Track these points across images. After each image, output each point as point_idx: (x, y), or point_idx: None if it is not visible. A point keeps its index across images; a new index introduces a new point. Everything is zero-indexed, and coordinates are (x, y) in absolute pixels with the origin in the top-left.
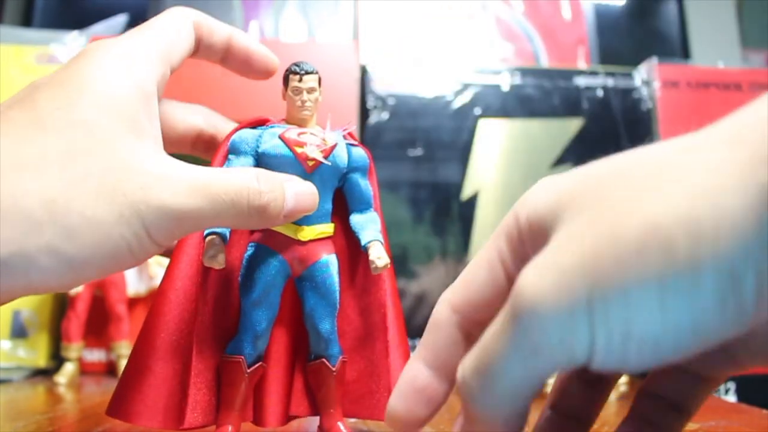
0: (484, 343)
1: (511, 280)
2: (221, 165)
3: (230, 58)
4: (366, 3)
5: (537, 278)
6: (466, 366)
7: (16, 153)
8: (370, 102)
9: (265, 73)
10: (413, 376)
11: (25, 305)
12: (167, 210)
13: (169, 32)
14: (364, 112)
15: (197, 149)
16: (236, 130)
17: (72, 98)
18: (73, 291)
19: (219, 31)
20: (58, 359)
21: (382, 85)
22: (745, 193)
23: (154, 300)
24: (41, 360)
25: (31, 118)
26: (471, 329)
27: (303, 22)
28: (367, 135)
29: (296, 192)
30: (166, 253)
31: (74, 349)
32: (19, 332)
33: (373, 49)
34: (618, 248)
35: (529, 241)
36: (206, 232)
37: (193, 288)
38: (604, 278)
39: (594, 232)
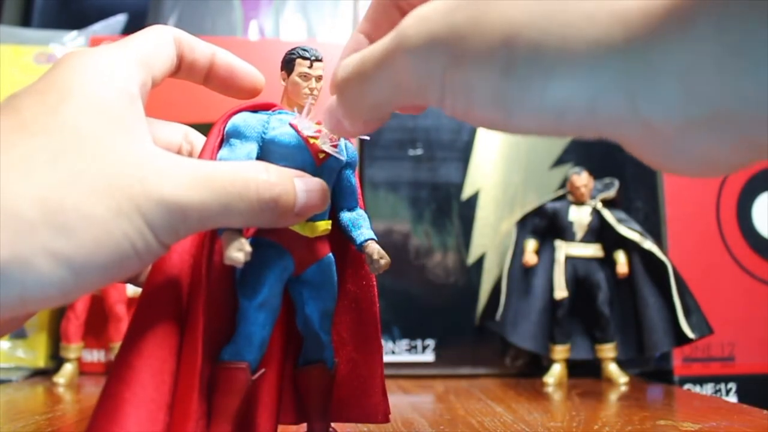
0: (369, 51)
1: None
2: (216, 150)
3: (213, 77)
4: (366, 3)
5: (414, 32)
6: (349, 63)
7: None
8: None
9: (251, 92)
10: (356, 42)
11: None
12: (169, 203)
13: (149, 44)
14: None
15: None
16: (234, 112)
17: (55, 104)
18: None
19: (201, 48)
20: (57, 359)
21: None
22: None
23: (136, 309)
24: (40, 360)
25: (13, 125)
26: (405, 7)
27: (303, 22)
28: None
29: (307, 188)
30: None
31: (73, 350)
32: (18, 333)
33: None
34: (477, 38)
35: None
36: (219, 229)
37: (185, 287)
38: (460, 52)
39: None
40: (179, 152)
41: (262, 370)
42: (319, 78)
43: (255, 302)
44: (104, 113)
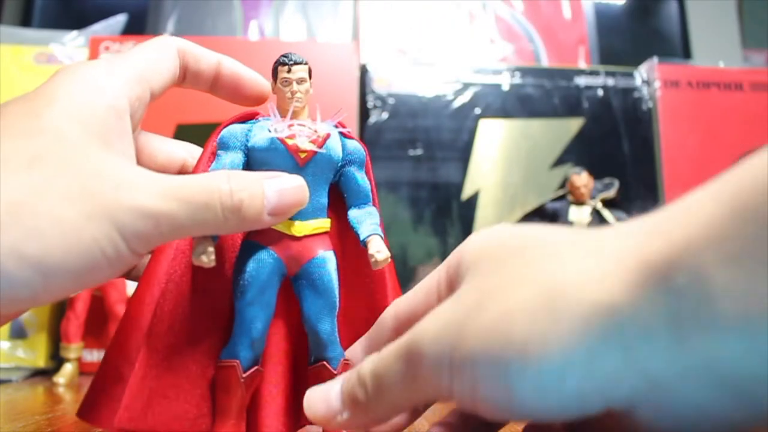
0: (385, 354)
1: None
2: (209, 162)
3: (219, 86)
4: (366, 3)
5: (428, 325)
6: (365, 367)
7: None
8: (370, 102)
9: (257, 99)
10: (350, 356)
11: None
12: (140, 211)
13: (150, 57)
14: (364, 112)
15: None
16: (224, 125)
17: (39, 109)
18: None
19: (206, 58)
20: (57, 360)
21: (382, 85)
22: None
23: (129, 302)
24: (40, 360)
25: None
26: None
27: (303, 22)
28: (367, 135)
29: (279, 189)
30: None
31: (73, 350)
32: (18, 333)
33: (373, 49)
34: (476, 336)
35: (455, 278)
36: None
37: (176, 291)
38: (463, 348)
39: (468, 309)
40: (183, 168)
41: (255, 368)
42: (300, 81)
43: (243, 302)
44: (86, 124)
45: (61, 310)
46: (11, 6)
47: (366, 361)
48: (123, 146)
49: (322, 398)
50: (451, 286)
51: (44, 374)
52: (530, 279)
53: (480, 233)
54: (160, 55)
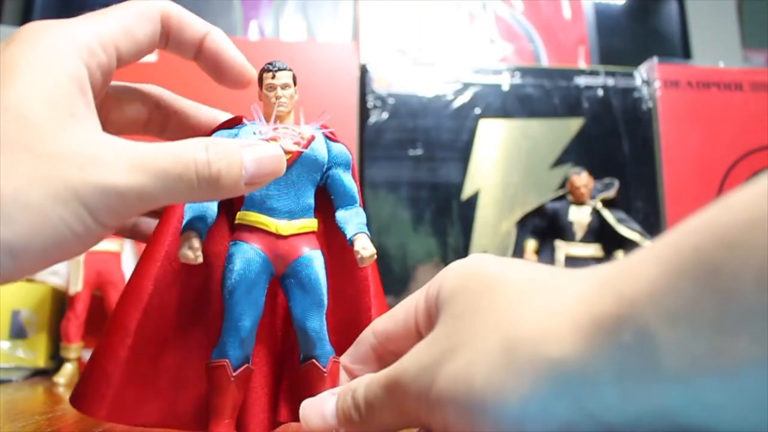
0: (375, 383)
1: (418, 330)
2: None
3: (200, 60)
4: (366, 3)
5: (409, 363)
6: (359, 392)
7: None
8: (370, 102)
9: (237, 83)
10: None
11: (25, 305)
12: (107, 188)
13: (126, 21)
14: (364, 112)
15: (151, 131)
16: (212, 131)
17: (0, 87)
18: (73, 291)
19: (192, 26)
20: (57, 359)
21: (382, 85)
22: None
23: (120, 299)
24: (40, 360)
25: None
26: (383, 354)
27: (303, 22)
28: (367, 135)
29: (257, 157)
30: (126, 233)
31: (73, 350)
32: (18, 333)
33: (373, 49)
34: (446, 382)
35: (433, 310)
36: (182, 227)
37: (167, 289)
38: (435, 390)
39: (441, 354)
40: (151, 116)
41: (245, 365)
42: (284, 86)
43: (232, 301)
44: (48, 99)
45: (61, 309)
46: (11, 6)
47: (359, 385)
48: (87, 114)
49: (318, 412)
50: (429, 313)
51: (44, 374)
52: (492, 331)
53: (458, 264)
54: (137, 20)
